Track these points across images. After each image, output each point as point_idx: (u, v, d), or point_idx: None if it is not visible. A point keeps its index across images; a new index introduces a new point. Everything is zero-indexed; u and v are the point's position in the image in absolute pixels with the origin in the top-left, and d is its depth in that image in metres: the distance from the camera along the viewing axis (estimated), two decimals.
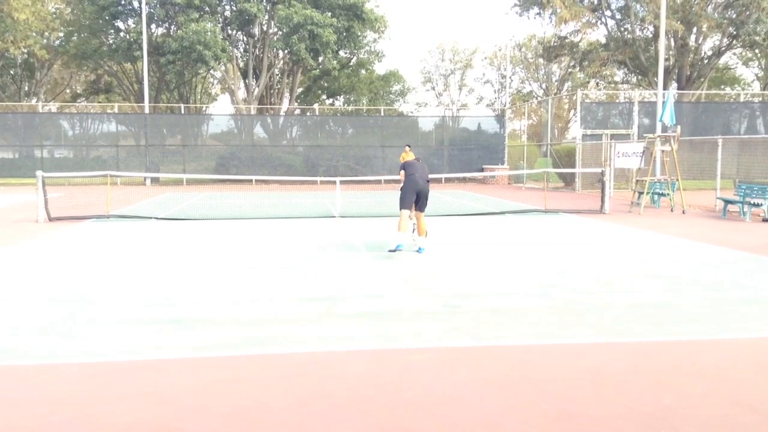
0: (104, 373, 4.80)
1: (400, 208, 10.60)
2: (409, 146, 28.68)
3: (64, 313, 6.48)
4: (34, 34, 38.87)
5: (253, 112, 39.01)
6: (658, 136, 18.50)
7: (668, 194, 17.98)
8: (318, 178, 24.18)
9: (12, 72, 47.76)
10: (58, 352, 5.27)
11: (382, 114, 39.93)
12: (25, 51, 40.94)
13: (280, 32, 38.36)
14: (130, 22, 40.70)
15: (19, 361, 5.07)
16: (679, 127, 18.77)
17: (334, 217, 16.01)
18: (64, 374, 4.77)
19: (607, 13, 39.21)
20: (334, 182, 18.27)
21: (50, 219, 14.91)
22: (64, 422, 3.95)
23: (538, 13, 42.15)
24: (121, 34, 41.44)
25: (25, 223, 14.55)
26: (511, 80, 62.99)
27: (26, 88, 49.38)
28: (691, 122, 30.53)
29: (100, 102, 50.52)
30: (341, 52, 41.56)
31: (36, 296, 7.28)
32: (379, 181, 32.30)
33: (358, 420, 3.98)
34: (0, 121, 35.76)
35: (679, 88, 37.94)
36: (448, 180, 34.49)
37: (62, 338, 5.66)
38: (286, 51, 38.56)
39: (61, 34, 43.35)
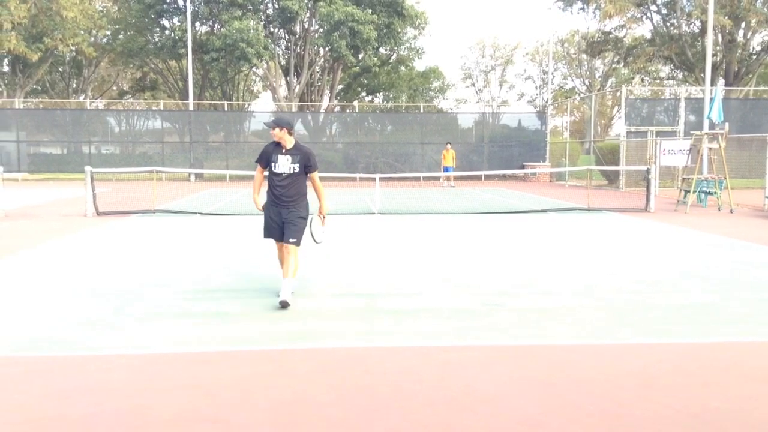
0: (150, 365, 4.90)
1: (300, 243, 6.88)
2: (450, 144, 28.45)
3: (112, 306, 6.63)
4: (82, 32, 39.77)
5: (294, 109, 39.28)
6: (706, 133, 18.09)
7: (715, 193, 17.57)
8: (357, 175, 24.25)
9: (60, 69, 49.00)
10: (105, 344, 5.40)
11: (422, 111, 39.88)
12: (73, 49, 41.91)
13: (321, 29, 38.56)
14: (175, 20, 41.44)
15: (69, 352, 5.21)
16: (727, 124, 18.32)
17: (374, 213, 16.04)
18: (112, 365, 4.88)
19: (653, 7, 38.49)
20: (374, 179, 18.32)
21: (98, 213, 15.25)
22: (111, 412, 4.04)
23: (582, 8, 41.64)
24: (167, 32, 42.21)
25: (74, 218, 14.92)
26: (553, 76, 62.21)
27: (74, 85, 50.60)
28: (739, 119, 29.75)
29: (145, 99, 51.52)
30: (381, 49, 41.54)
31: (84, 289, 7.46)
32: (418, 178, 32.25)
33: (399, 416, 3.99)
34: (49, 118, 36.76)
35: (726, 85, 37.02)
36: (488, 177, 34.26)
37: (110, 330, 5.80)
38: (326, 48, 38.73)
39: (108, 32, 44.30)
